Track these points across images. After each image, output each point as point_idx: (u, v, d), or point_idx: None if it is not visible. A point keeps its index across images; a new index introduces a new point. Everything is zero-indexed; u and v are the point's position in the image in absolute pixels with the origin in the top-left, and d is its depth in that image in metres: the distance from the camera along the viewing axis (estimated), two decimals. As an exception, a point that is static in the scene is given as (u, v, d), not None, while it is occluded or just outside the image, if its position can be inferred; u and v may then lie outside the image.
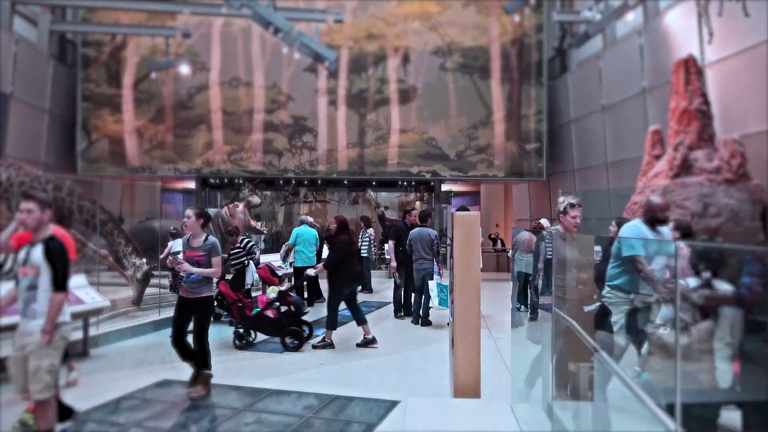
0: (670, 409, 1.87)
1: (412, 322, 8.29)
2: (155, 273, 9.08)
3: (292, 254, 9.78)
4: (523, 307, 8.78)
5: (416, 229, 8.28)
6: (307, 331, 6.91)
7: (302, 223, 9.99)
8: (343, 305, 6.95)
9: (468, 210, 6.97)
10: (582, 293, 3.40)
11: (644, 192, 8.64)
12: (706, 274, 2.60)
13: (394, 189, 17.58)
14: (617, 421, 3.01)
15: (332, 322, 6.82)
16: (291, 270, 10.03)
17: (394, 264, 8.69)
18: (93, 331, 6.48)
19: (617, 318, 3.59)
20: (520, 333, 6.07)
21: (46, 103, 14.19)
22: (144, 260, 8.67)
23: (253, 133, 15.94)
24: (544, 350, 3.90)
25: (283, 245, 10.46)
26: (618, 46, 13.01)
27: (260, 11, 13.13)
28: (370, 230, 11.91)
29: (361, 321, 6.92)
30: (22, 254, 3.59)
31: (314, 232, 9.81)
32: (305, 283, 9.75)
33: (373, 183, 17.04)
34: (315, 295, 10.17)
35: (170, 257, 5.26)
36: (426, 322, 8.11)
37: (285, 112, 16.03)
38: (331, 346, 6.77)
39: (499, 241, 18.21)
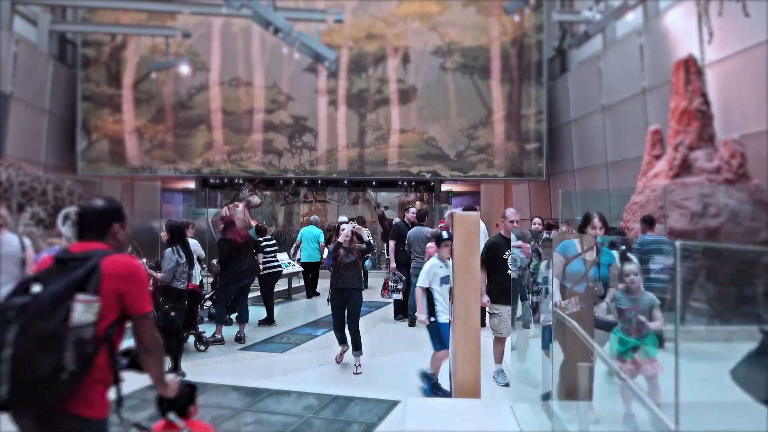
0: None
1: (409, 325, 8.21)
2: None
3: (299, 251, 10.98)
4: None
5: (414, 228, 8.26)
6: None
7: (310, 222, 11.26)
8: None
9: (476, 209, 6.96)
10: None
11: (644, 192, 8.64)
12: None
13: (394, 189, 17.58)
14: (618, 421, 3.01)
15: (221, 317, 7.24)
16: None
17: (394, 264, 8.64)
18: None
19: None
20: (520, 333, 6.06)
21: (46, 103, 14.19)
22: (144, 260, 8.67)
23: (253, 133, 15.94)
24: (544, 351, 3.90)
25: (294, 244, 11.66)
26: (618, 46, 13.01)
27: (260, 11, 13.12)
28: (366, 230, 11.97)
29: (242, 320, 7.29)
30: None
31: (318, 231, 11.06)
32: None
33: (373, 183, 17.04)
34: (312, 290, 11.10)
35: None
36: None
37: (285, 112, 16.03)
38: (221, 341, 6.99)
39: None
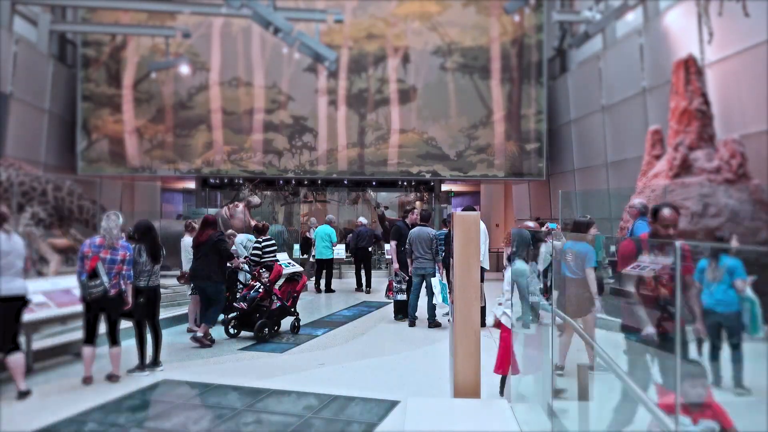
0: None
1: (409, 325, 8.18)
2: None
3: (313, 248, 11.86)
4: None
5: (416, 229, 8.23)
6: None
7: (325, 222, 12.13)
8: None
9: (475, 209, 6.92)
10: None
11: (644, 192, 8.65)
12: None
13: (394, 189, 17.59)
14: (617, 420, 3.01)
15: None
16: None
17: (396, 265, 8.63)
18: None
19: None
20: (520, 333, 6.05)
21: (46, 103, 14.19)
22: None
23: (253, 133, 15.94)
24: (545, 350, 3.90)
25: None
26: (618, 46, 13.01)
27: (260, 11, 13.13)
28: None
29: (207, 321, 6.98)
30: None
31: (331, 230, 11.83)
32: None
33: (373, 183, 17.04)
34: (326, 286, 11.70)
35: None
36: (434, 324, 8.03)
37: (285, 112, 16.03)
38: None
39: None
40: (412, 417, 3.92)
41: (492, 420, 3.87)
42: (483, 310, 7.68)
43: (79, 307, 6.02)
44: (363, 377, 5.61)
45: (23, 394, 4.67)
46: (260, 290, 7.36)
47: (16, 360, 4.69)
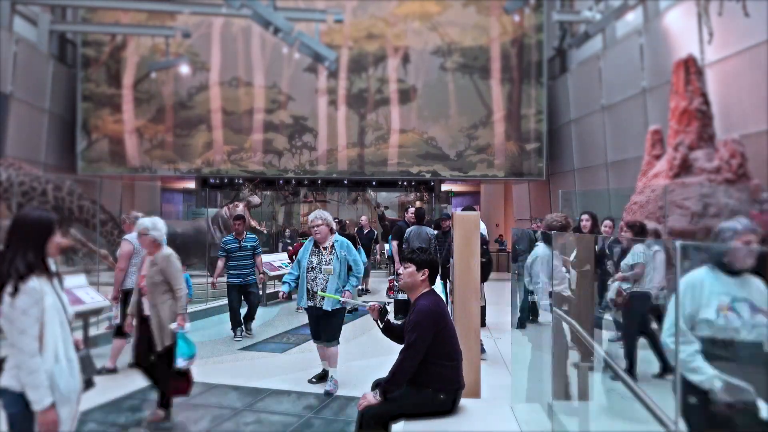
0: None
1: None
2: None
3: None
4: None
5: (413, 228, 8.23)
6: None
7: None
8: None
9: (475, 209, 6.88)
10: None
11: (644, 192, 8.64)
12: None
13: (394, 189, 17.59)
14: (617, 421, 3.01)
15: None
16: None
17: (398, 265, 8.62)
18: (93, 331, 6.48)
19: None
20: (520, 333, 6.05)
21: (46, 103, 14.19)
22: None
23: (253, 133, 15.95)
24: (544, 351, 3.90)
25: None
26: (618, 46, 13.01)
27: (260, 11, 13.13)
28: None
29: None
30: None
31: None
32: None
33: (373, 183, 17.05)
34: None
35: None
36: None
37: (285, 112, 16.03)
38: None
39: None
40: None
41: (492, 420, 3.87)
42: (483, 309, 7.67)
43: (77, 308, 6.02)
44: (363, 377, 5.61)
45: None
46: None
47: None
